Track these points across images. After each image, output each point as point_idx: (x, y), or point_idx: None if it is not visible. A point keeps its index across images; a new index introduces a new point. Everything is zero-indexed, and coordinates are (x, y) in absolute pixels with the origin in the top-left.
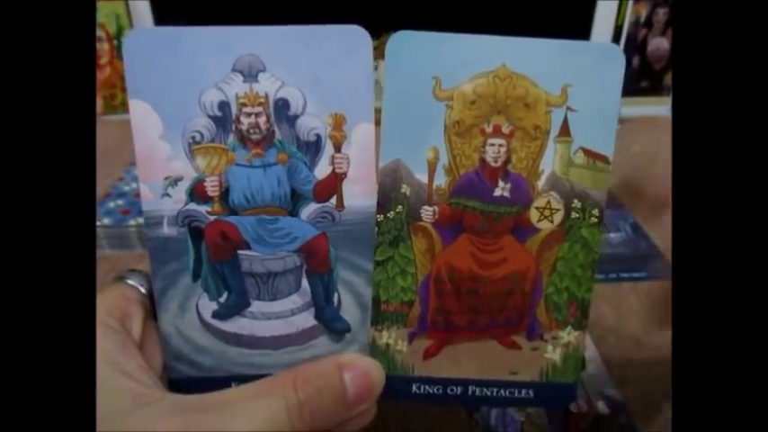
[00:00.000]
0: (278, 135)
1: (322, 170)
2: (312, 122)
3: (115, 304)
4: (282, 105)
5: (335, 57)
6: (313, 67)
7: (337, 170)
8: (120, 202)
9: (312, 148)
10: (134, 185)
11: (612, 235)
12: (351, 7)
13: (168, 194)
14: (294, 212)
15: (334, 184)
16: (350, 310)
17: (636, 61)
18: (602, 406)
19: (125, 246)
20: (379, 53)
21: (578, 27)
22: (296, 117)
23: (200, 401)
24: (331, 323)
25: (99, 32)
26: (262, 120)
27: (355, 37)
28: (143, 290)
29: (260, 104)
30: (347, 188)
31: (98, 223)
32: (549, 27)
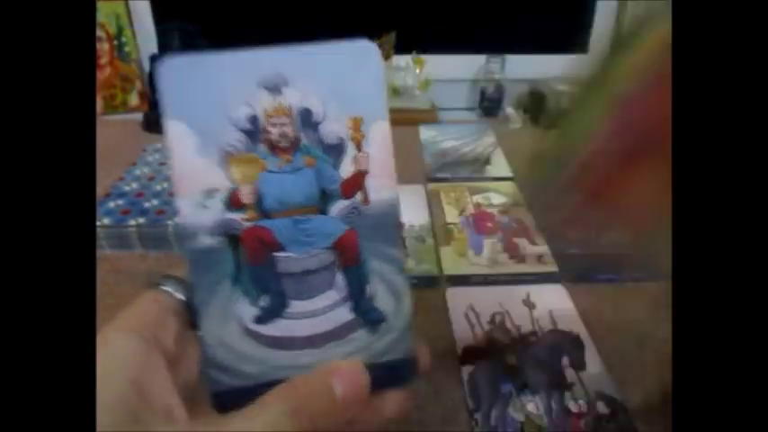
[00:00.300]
0: (304, 141)
1: (346, 169)
2: (333, 127)
3: (149, 313)
4: (306, 114)
5: (349, 68)
6: (330, 79)
7: (360, 167)
8: (120, 202)
9: (335, 150)
10: (134, 185)
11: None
12: (352, 7)
13: (205, 206)
14: (324, 211)
15: (358, 181)
16: (384, 300)
17: None
18: (601, 406)
19: (125, 246)
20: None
21: (578, 27)
22: (318, 123)
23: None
24: (366, 314)
25: (99, 32)
26: (288, 128)
27: (365, 51)
28: (179, 297)
29: (285, 115)
30: (369, 183)
31: (98, 223)
32: (550, 27)
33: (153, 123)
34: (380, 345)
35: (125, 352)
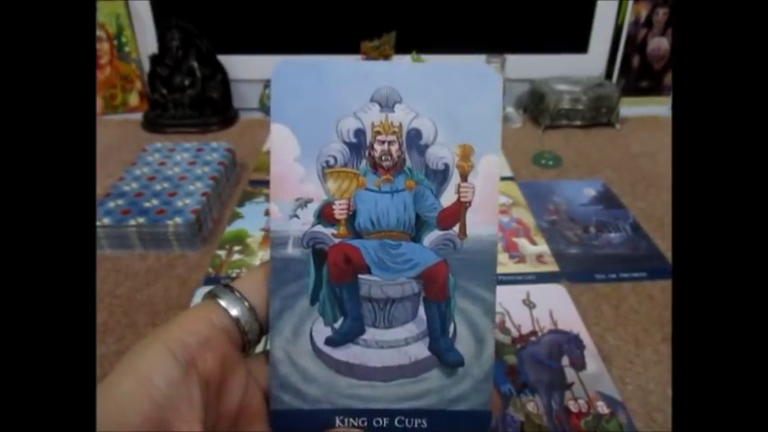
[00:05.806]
0: (408, 163)
1: (447, 198)
2: (441, 152)
3: (195, 333)
4: (415, 135)
5: (466, 93)
6: (446, 101)
7: (462, 199)
8: (120, 201)
9: (439, 177)
10: (134, 185)
11: (613, 235)
12: (352, 7)
13: (297, 216)
14: (417, 238)
15: (458, 212)
16: (465, 342)
17: (636, 61)
18: (601, 406)
19: (125, 246)
20: (380, 53)
21: (578, 27)
22: (426, 146)
23: None
24: (445, 354)
25: (99, 32)
26: (394, 147)
27: (485, 77)
28: (233, 314)
29: (393, 133)
30: (470, 217)
31: (98, 223)
32: (550, 27)
33: (153, 123)
34: (455, 391)
35: (151, 377)
